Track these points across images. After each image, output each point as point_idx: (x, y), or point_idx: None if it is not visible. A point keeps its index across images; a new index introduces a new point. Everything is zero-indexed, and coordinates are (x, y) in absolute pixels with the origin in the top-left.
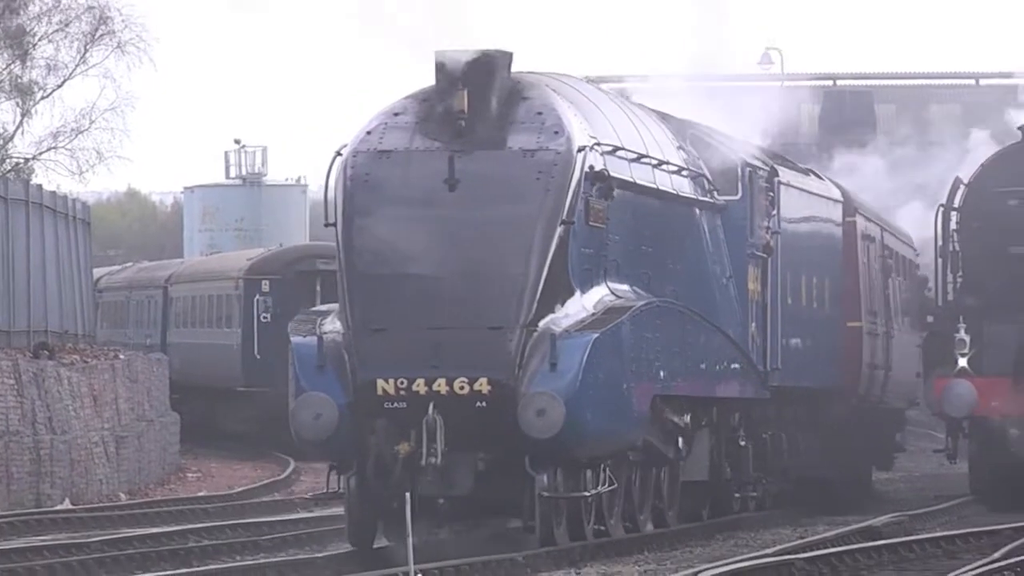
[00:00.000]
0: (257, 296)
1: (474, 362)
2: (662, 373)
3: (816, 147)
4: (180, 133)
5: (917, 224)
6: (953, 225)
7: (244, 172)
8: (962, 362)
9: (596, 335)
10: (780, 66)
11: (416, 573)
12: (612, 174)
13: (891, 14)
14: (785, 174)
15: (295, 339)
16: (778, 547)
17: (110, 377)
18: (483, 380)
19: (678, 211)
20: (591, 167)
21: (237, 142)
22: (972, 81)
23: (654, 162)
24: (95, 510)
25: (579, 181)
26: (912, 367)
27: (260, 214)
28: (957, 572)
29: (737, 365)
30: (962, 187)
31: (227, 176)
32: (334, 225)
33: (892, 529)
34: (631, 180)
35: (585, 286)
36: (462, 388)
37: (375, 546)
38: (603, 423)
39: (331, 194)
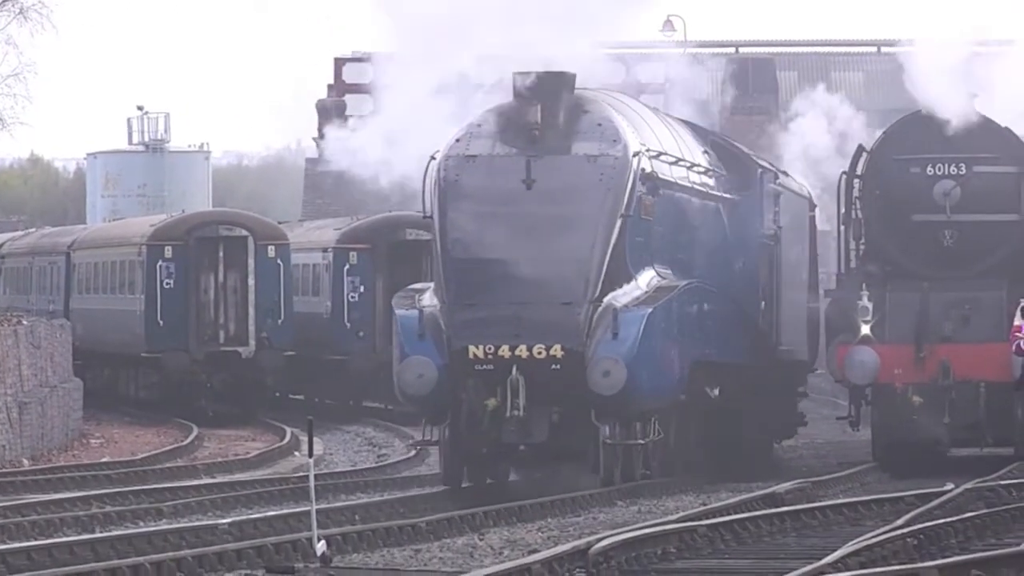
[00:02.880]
0: (160, 262)
1: (549, 332)
2: (699, 342)
3: (719, 115)
4: (83, 99)
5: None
6: (855, 192)
7: (147, 138)
8: (865, 329)
9: (650, 309)
10: (683, 33)
11: (319, 539)
12: (658, 175)
13: None
14: (781, 176)
15: (399, 312)
16: (681, 514)
17: (13, 343)
18: (557, 346)
19: (706, 205)
20: (642, 169)
21: (140, 108)
22: (874, 49)
23: (687, 164)
24: None
25: (634, 182)
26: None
27: (163, 180)
28: (860, 539)
29: (753, 338)
30: (864, 154)
31: (130, 142)
32: (430, 218)
33: (795, 496)
34: (671, 180)
35: (638, 269)
36: (540, 353)
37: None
38: (655, 383)
39: (427, 192)
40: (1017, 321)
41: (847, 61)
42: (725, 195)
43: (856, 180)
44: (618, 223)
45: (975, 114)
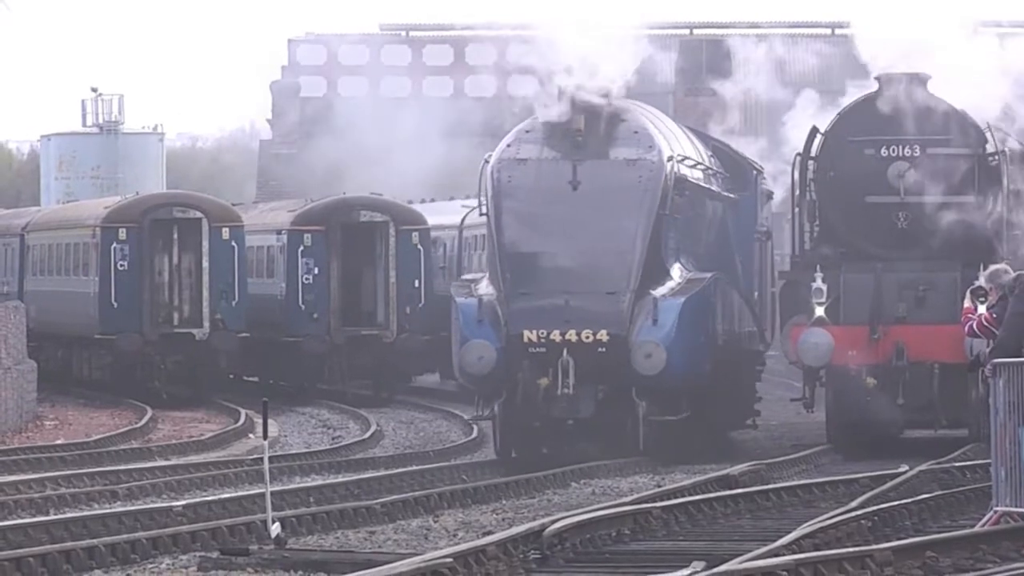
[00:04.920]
0: (114, 244)
1: (596, 318)
2: (720, 329)
3: (672, 96)
4: (37, 81)
5: None
6: (810, 174)
7: (101, 120)
8: (819, 311)
9: (684, 298)
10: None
11: (274, 521)
12: (685, 178)
13: None
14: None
15: (459, 299)
16: (635, 495)
17: None
18: (603, 331)
19: (715, 205)
20: (674, 172)
21: (94, 90)
22: (828, 31)
23: (703, 167)
24: None
25: (667, 183)
26: None
27: (117, 162)
28: (814, 521)
29: (753, 326)
30: (819, 136)
31: (84, 124)
32: (487, 215)
33: (749, 478)
34: (693, 181)
35: (670, 262)
36: (587, 337)
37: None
38: (690, 364)
39: (482, 192)
40: (967, 303)
41: (801, 43)
42: (729, 195)
43: (810, 162)
44: (655, 221)
45: (929, 96)
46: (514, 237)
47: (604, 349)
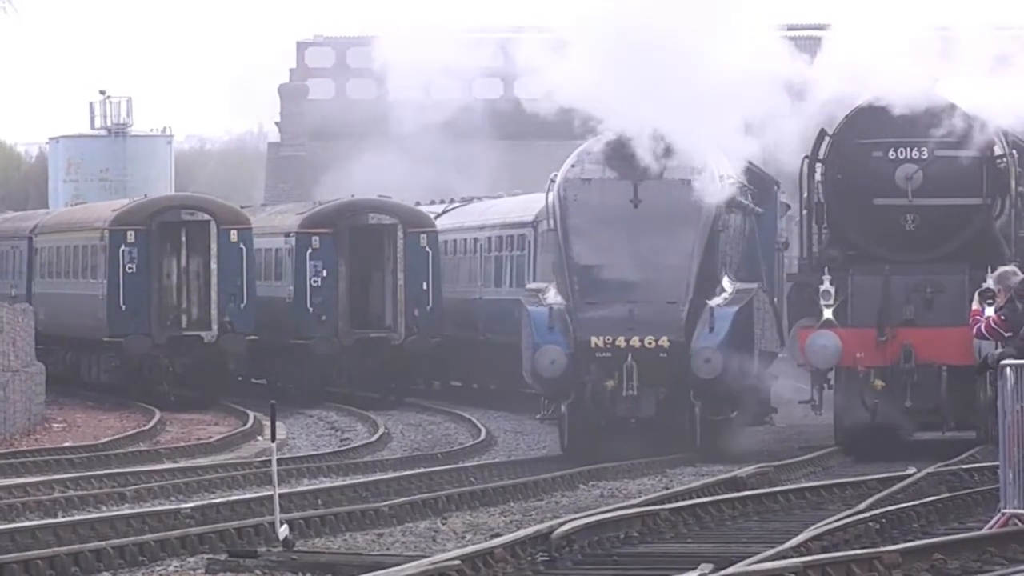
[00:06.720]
0: (123, 247)
1: (658, 326)
2: (761, 335)
3: None
4: (45, 83)
5: None
6: (818, 177)
7: (109, 123)
8: (827, 313)
9: (737, 307)
10: None
11: (282, 523)
12: (731, 196)
13: None
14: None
15: (530, 308)
16: (643, 497)
17: None
18: (664, 338)
19: (747, 219)
20: (724, 191)
21: (102, 93)
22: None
23: (740, 184)
24: None
25: (718, 201)
26: None
27: (125, 165)
28: (822, 523)
29: (775, 330)
30: (827, 138)
31: (92, 127)
32: (555, 230)
33: (757, 480)
34: (736, 199)
35: (721, 274)
36: (650, 343)
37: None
38: (741, 368)
39: (549, 208)
40: (975, 305)
41: (805, 44)
42: (757, 209)
43: (818, 164)
44: (709, 236)
45: (938, 98)
46: (581, 251)
47: (665, 354)
